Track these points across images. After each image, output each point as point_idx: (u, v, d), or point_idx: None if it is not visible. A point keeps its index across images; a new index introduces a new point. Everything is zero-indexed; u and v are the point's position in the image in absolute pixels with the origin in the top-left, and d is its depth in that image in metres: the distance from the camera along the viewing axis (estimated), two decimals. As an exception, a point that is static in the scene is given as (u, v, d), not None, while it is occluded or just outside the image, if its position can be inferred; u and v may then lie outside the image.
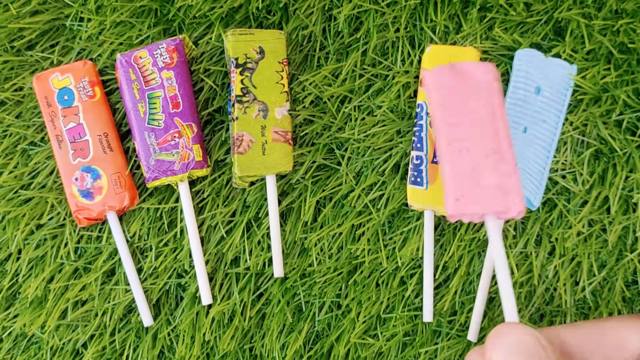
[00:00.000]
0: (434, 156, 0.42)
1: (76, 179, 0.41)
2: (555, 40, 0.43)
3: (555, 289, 0.42)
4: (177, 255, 0.42)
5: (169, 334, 0.43)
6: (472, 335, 0.41)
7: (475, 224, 0.42)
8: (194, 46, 0.43)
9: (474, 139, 0.33)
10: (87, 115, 0.42)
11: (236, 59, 0.41)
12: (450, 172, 0.32)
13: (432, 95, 0.34)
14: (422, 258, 0.42)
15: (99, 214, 0.41)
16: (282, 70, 0.42)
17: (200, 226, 0.43)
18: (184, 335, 0.42)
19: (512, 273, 0.42)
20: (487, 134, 0.33)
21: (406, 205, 0.43)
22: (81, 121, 0.42)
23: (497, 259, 0.30)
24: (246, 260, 0.42)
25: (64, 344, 0.43)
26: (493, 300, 0.42)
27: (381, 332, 0.42)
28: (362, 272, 0.42)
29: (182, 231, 0.43)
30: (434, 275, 0.42)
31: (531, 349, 0.25)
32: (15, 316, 0.43)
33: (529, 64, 0.42)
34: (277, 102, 0.42)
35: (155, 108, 0.41)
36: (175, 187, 0.42)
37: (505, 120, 0.33)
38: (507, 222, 0.42)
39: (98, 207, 0.41)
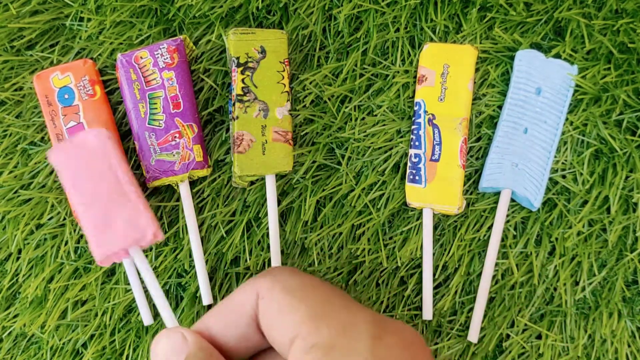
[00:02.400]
0: (432, 154, 0.42)
1: (76, 179, 0.41)
2: (555, 40, 0.43)
3: (555, 289, 0.42)
4: (177, 255, 0.42)
5: (169, 334, 0.43)
6: (472, 335, 0.41)
7: (475, 224, 0.42)
8: (194, 47, 0.43)
9: (95, 192, 0.37)
10: (87, 114, 0.42)
11: (237, 58, 0.41)
12: (86, 228, 0.37)
13: (58, 169, 0.38)
14: (422, 257, 0.42)
15: (99, 213, 0.41)
16: (283, 70, 0.42)
17: (200, 226, 0.43)
18: (184, 335, 0.42)
19: (512, 273, 0.42)
20: (109, 184, 0.37)
21: (406, 204, 0.43)
22: (81, 120, 0.42)
23: (147, 278, 0.36)
24: (246, 260, 0.42)
25: (64, 343, 0.43)
26: (493, 300, 0.42)
27: (381, 332, 0.42)
28: (362, 271, 0.42)
29: (182, 231, 0.43)
30: (434, 275, 0.42)
31: (177, 344, 0.29)
32: (15, 316, 0.43)
33: (529, 65, 0.42)
34: (277, 101, 0.42)
35: (156, 108, 0.41)
36: (175, 187, 0.42)
37: (124, 170, 0.38)
38: (507, 222, 0.42)
39: (98, 207, 0.41)
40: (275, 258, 0.42)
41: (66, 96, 0.42)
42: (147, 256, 0.43)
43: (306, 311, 0.27)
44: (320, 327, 0.27)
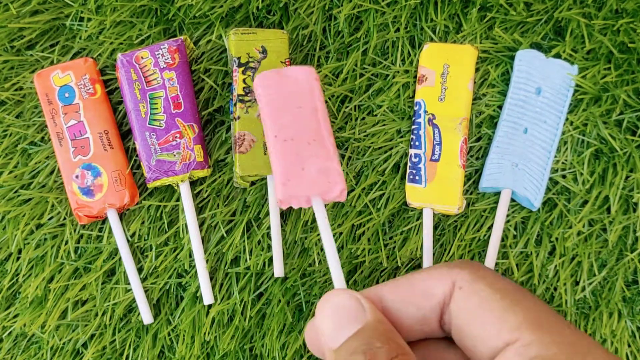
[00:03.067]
0: (432, 154, 0.42)
1: (77, 177, 0.41)
2: (555, 40, 0.43)
3: (555, 289, 0.42)
4: (177, 255, 0.42)
5: (169, 334, 0.43)
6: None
7: (475, 224, 0.42)
8: (194, 47, 0.43)
9: (297, 130, 0.36)
10: (87, 112, 0.42)
11: (238, 58, 0.41)
12: (277, 161, 0.35)
13: (260, 95, 0.37)
14: (422, 257, 0.42)
15: (99, 211, 0.41)
16: (284, 70, 0.42)
17: (200, 226, 0.43)
18: (184, 335, 0.42)
19: (512, 273, 0.42)
20: (310, 126, 0.36)
21: (406, 204, 0.43)
22: (82, 119, 0.42)
23: (323, 233, 0.33)
24: (246, 260, 0.42)
25: (64, 343, 0.43)
26: (493, 299, 0.42)
27: (381, 332, 0.42)
28: (362, 271, 0.42)
29: (182, 231, 0.43)
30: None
31: (353, 313, 0.26)
32: (15, 316, 0.43)
33: (530, 65, 0.42)
34: (278, 101, 0.42)
35: (157, 108, 0.41)
36: (175, 187, 0.42)
37: (325, 115, 0.36)
38: (507, 222, 0.42)
39: (98, 205, 0.41)
40: (277, 258, 0.42)
41: (66, 95, 0.42)
42: (146, 256, 0.43)
43: (525, 317, 0.25)
44: (545, 341, 0.25)
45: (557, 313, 0.27)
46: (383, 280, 0.42)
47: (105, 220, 0.43)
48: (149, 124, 0.41)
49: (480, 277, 0.27)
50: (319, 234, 0.42)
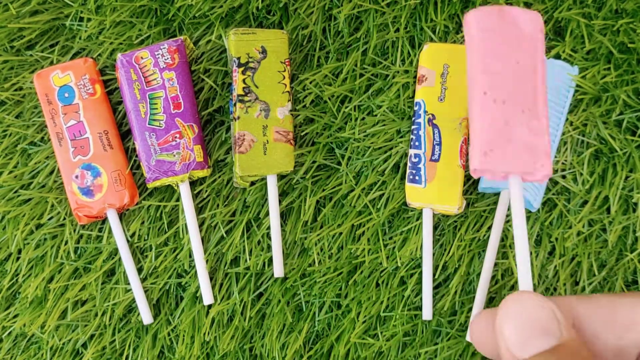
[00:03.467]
0: (432, 154, 0.42)
1: (76, 177, 0.41)
2: (555, 40, 0.43)
3: (555, 289, 0.42)
4: (177, 255, 0.42)
5: (169, 334, 0.43)
6: (472, 335, 0.41)
7: (475, 224, 0.42)
8: (194, 47, 0.43)
9: (511, 92, 0.30)
10: (87, 112, 0.42)
11: (238, 58, 0.41)
12: (481, 123, 0.29)
13: (473, 37, 0.31)
14: (421, 257, 0.42)
15: (99, 211, 0.41)
16: (284, 70, 0.42)
17: (200, 226, 0.43)
18: (184, 335, 0.42)
19: (512, 273, 0.42)
20: (526, 90, 0.30)
21: (406, 205, 0.43)
22: (81, 119, 0.42)
23: (516, 220, 0.27)
24: (246, 260, 0.42)
25: (64, 343, 0.43)
26: (493, 300, 0.42)
27: (381, 332, 0.42)
28: (362, 272, 0.42)
29: (182, 231, 0.43)
30: (434, 275, 0.42)
31: (546, 324, 0.23)
32: (15, 316, 0.43)
33: (530, 65, 0.42)
34: (278, 102, 0.42)
35: (157, 108, 0.41)
36: (175, 188, 0.42)
37: (545, 77, 0.30)
38: (507, 222, 0.42)
39: (98, 205, 0.41)
40: (277, 258, 0.42)
41: (66, 95, 0.42)
42: (146, 256, 0.43)
43: None
44: None
45: None
46: (383, 281, 0.42)
47: (105, 220, 0.43)
48: (148, 124, 0.41)
49: None
50: (319, 234, 0.42)
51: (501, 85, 0.30)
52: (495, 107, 0.29)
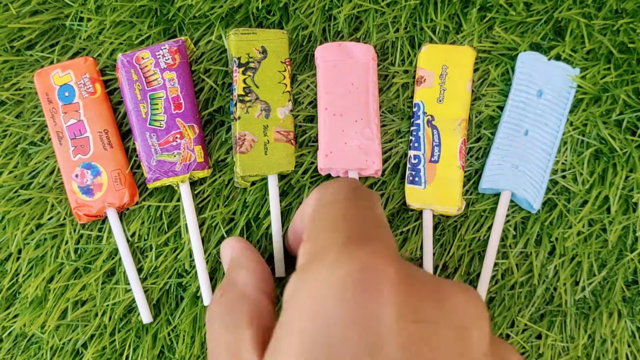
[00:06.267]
0: (432, 155, 0.42)
1: (76, 176, 0.41)
2: (555, 40, 0.43)
3: (555, 289, 0.42)
4: (177, 255, 0.42)
5: (169, 334, 0.43)
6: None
7: (475, 224, 0.42)
8: (195, 48, 0.43)
9: (347, 107, 0.39)
10: (87, 111, 0.42)
11: (239, 58, 0.41)
12: (323, 132, 0.39)
13: (319, 66, 0.40)
14: (422, 257, 0.42)
15: (99, 210, 0.41)
16: (285, 70, 0.42)
17: (200, 226, 0.43)
18: (184, 335, 0.42)
19: (512, 273, 0.42)
20: (359, 104, 0.39)
21: (405, 205, 0.43)
22: (82, 118, 0.42)
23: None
24: (246, 260, 0.42)
25: (64, 344, 0.43)
26: (493, 300, 0.42)
27: (381, 332, 0.42)
28: (362, 272, 0.42)
29: (182, 231, 0.42)
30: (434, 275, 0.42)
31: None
32: (15, 316, 0.43)
33: (531, 67, 0.42)
34: (279, 102, 0.42)
35: (157, 109, 0.41)
36: (176, 188, 0.42)
37: (376, 95, 0.40)
38: (507, 222, 0.42)
39: (98, 204, 0.41)
40: (277, 258, 0.42)
41: (66, 94, 0.42)
42: (146, 256, 0.43)
43: None
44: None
45: None
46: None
47: (105, 220, 0.43)
48: (149, 124, 0.41)
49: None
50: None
51: (339, 102, 0.40)
52: (334, 119, 0.39)
